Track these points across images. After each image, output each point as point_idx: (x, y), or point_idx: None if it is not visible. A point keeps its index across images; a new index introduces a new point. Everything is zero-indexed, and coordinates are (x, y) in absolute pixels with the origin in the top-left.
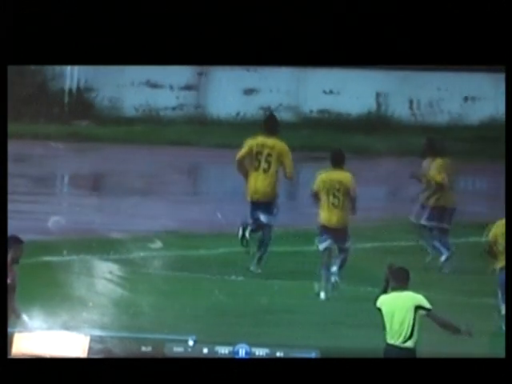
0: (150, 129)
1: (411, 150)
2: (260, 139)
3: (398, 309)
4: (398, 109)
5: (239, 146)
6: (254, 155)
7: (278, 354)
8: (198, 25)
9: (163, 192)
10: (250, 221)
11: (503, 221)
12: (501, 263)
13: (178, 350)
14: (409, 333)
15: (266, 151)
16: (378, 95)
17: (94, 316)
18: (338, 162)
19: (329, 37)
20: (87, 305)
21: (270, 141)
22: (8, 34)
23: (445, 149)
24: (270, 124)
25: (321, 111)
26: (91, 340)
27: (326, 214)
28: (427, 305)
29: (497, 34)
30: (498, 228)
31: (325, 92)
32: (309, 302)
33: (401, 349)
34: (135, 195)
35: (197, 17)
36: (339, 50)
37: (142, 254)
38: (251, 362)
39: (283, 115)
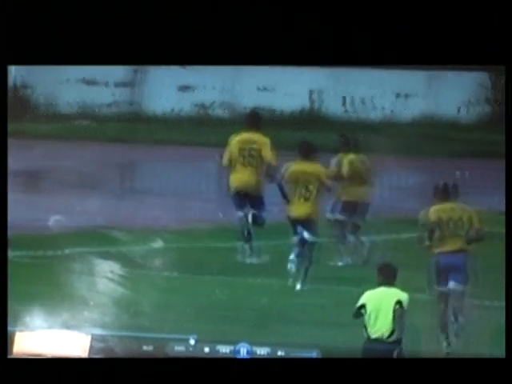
0: (85, 126)
1: None
2: (244, 136)
3: (385, 304)
4: (331, 106)
5: (174, 142)
6: (296, 182)
7: (279, 353)
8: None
9: (98, 189)
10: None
11: (452, 204)
12: (442, 247)
13: (179, 349)
14: (393, 327)
15: (249, 146)
16: (311, 92)
17: (95, 315)
18: (307, 154)
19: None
20: (88, 304)
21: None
22: (8, 34)
23: (358, 145)
24: (252, 120)
25: (255, 108)
26: (92, 339)
27: (295, 207)
28: (405, 304)
29: (497, 34)
30: (442, 213)
31: (259, 89)
32: (311, 301)
33: (388, 343)
34: (70, 192)
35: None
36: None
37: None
38: (252, 362)
39: (218, 112)
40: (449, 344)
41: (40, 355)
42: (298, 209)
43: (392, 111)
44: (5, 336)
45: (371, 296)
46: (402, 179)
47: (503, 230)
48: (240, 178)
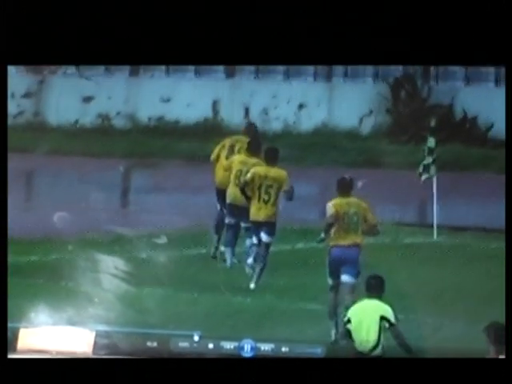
0: None
1: None
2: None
3: (365, 317)
4: (234, 116)
5: (76, 153)
6: (258, 186)
7: (284, 349)
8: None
9: None
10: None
11: (349, 199)
12: (335, 241)
13: (183, 345)
14: (375, 341)
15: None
16: (214, 103)
17: (99, 311)
18: (272, 160)
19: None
20: (93, 300)
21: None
22: (8, 34)
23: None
24: (269, 155)
25: (157, 119)
26: (97, 335)
27: (254, 209)
28: (392, 318)
29: (497, 34)
30: (338, 208)
31: (162, 100)
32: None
33: (370, 357)
34: None
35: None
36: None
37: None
38: (256, 358)
39: (120, 123)
40: (337, 332)
41: (44, 351)
42: (258, 211)
43: (294, 122)
44: (5, 336)
45: (354, 310)
46: (298, 189)
47: (401, 240)
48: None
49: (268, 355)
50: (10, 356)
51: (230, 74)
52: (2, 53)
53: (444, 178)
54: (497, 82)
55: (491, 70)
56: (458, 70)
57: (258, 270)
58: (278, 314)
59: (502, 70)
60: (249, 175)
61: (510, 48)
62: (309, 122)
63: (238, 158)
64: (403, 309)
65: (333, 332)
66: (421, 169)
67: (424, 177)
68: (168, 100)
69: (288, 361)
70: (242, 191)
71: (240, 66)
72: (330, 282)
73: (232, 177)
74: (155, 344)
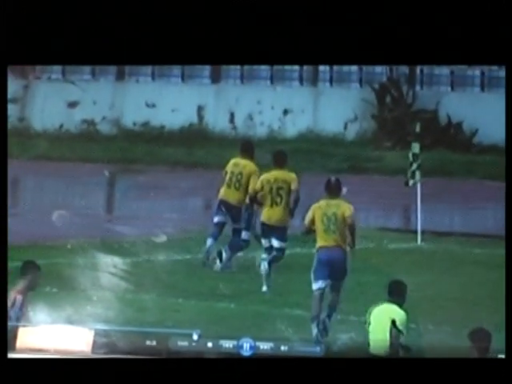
0: None
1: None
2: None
3: (381, 321)
4: (219, 122)
5: (61, 158)
6: (269, 191)
7: (283, 348)
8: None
9: None
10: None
11: (330, 201)
12: (319, 243)
13: (182, 344)
14: (388, 345)
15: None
16: (199, 108)
17: (98, 310)
18: (280, 163)
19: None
20: (91, 299)
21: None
22: (8, 34)
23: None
24: (278, 158)
25: (142, 124)
26: (95, 334)
27: (266, 212)
28: (400, 325)
29: (497, 34)
30: (317, 210)
31: (147, 105)
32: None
33: (369, 357)
34: None
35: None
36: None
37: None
38: (255, 357)
39: (105, 128)
40: (320, 334)
41: (43, 350)
42: (270, 213)
43: (279, 127)
44: (5, 336)
45: (373, 312)
46: None
47: (385, 246)
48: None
49: (267, 354)
50: (10, 355)
51: (215, 80)
52: (2, 53)
53: (428, 184)
54: (482, 86)
55: (477, 74)
56: (444, 75)
57: (269, 273)
58: (263, 318)
59: (488, 75)
60: (258, 184)
61: (510, 48)
62: (294, 127)
63: (231, 162)
64: None
65: (314, 333)
66: (408, 175)
67: (410, 182)
68: (153, 105)
69: (287, 360)
70: (254, 199)
71: (235, 66)
72: (316, 284)
73: (226, 178)
74: (154, 343)
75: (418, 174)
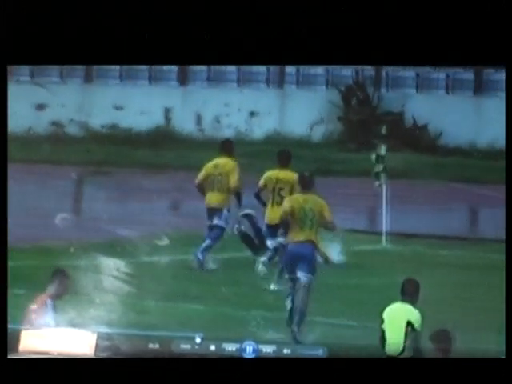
0: None
1: (198, 164)
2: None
3: (394, 321)
4: (186, 124)
5: (29, 161)
6: (271, 190)
7: (285, 351)
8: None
9: None
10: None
11: (306, 196)
12: (291, 237)
13: (185, 347)
14: (402, 345)
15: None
16: (166, 110)
17: (101, 313)
18: (283, 162)
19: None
20: (94, 302)
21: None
22: (8, 34)
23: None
24: (282, 157)
25: (110, 126)
26: (98, 337)
27: (268, 212)
28: (416, 324)
29: (497, 34)
30: (294, 203)
31: (115, 107)
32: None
33: (369, 358)
34: None
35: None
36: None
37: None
38: (258, 359)
39: (73, 130)
40: (293, 332)
41: (46, 353)
42: (272, 214)
43: (246, 129)
44: (5, 336)
45: (387, 312)
46: (247, 197)
47: (351, 247)
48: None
49: (270, 357)
50: (11, 357)
51: (182, 82)
52: (2, 53)
53: (394, 186)
54: (447, 89)
55: (442, 76)
56: (409, 77)
57: (276, 271)
58: (229, 320)
59: (452, 77)
60: (261, 181)
61: (510, 48)
62: (260, 129)
63: (210, 164)
64: (353, 315)
65: (292, 328)
66: (373, 176)
67: (375, 184)
68: (121, 108)
69: (289, 361)
70: (258, 197)
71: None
72: (286, 279)
73: (206, 182)
74: (157, 346)
75: (383, 175)
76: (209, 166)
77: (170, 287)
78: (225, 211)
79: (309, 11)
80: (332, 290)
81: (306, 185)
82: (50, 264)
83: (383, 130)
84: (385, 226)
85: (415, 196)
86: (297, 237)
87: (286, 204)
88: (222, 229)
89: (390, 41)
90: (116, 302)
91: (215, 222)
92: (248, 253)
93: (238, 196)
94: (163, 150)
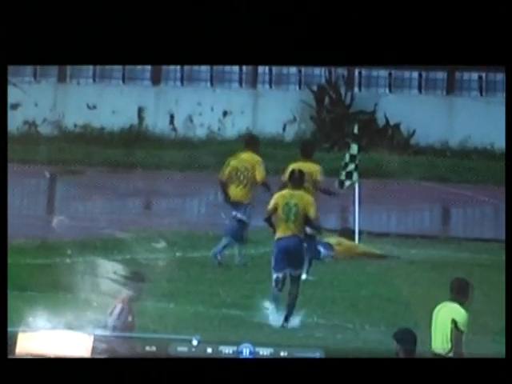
0: None
1: (171, 163)
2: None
3: (440, 320)
4: (159, 123)
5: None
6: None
7: (282, 354)
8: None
9: None
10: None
11: (293, 192)
12: (278, 233)
13: (181, 350)
14: (450, 345)
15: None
16: (139, 110)
17: (98, 316)
18: (306, 153)
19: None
20: (91, 304)
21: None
22: (8, 34)
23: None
24: (305, 149)
25: (83, 126)
26: (95, 339)
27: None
28: (461, 324)
29: (497, 35)
30: (280, 199)
31: (88, 107)
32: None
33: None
34: None
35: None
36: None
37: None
38: (255, 362)
39: (46, 130)
40: (282, 326)
41: (43, 356)
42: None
43: (219, 129)
44: (5, 336)
45: (435, 310)
46: (220, 196)
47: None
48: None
49: (267, 359)
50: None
51: (155, 81)
52: (2, 53)
53: (366, 185)
54: (420, 88)
55: (415, 76)
56: (382, 77)
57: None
58: (199, 319)
59: (425, 77)
60: (286, 172)
61: (509, 48)
62: (233, 128)
63: (233, 159)
64: (324, 314)
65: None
66: (343, 175)
67: (347, 183)
68: (94, 107)
69: (286, 362)
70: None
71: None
72: (276, 274)
73: (232, 176)
74: (154, 348)
75: (355, 174)
76: (233, 161)
77: (167, 288)
78: (248, 206)
79: (282, 11)
80: (302, 289)
81: (295, 181)
82: (19, 262)
83: (356, 130)
84: (357, 225)
85: (387, 195)
86: (283, 232)
87: (271, 201)
88: (244, 223)
89: (388, 41)
90: (113, 304)
91: (238, 215)
92: (251, 250)
93: (267, 186)
94: (136, 149)
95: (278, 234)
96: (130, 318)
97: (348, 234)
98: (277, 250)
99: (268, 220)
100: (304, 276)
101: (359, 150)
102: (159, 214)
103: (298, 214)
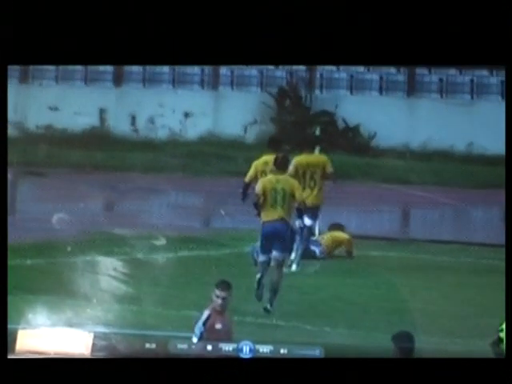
0: None
1: (132, 165)
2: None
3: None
4: (121, 125)
5: None
6: (301, 174)
7: (282, 351)
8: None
9: None
10: None
11: (279, 176)
12: (264, 217)
13: (181, 347)
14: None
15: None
16: (101, 111)
17: (98, 313)
18: (311, 147)
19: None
20: (91, 301)
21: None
22: (8, 34)
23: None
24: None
25: (45, 127)
26: (95, 337)
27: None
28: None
29: (497, 34)
30: (266, 183)
31: (50, 108)
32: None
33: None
34: None
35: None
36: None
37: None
38: (255, 360)
39: (8, 131)
40: (265, 309)
41: (43, 353)
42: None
43: (180, 130)
44: (5, 336)
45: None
46: (181, 198)
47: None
48: None
49: (266, 357)
50: (9, 357)
51: (117, 83)
52: (2, 53)
53: (327, 186)
54: (381, 90)
55: (375, 78)
56: (343, 79)
57: (298, 252)
58: (160, 321)
59: (386, 79)
60: (291, 168)
61: (509, 48)
62: (194, 130)
63: (258, 162)
64: (284, 315)
65: (265, 306)
66: None
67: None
68: (56, 108)
69: (286, 361)
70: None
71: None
72: (261, 258)
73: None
74: (154, 346)
75: None
76: (258, 164)
77: (166, 288)
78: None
79: (244, 11)
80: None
81: (279, 166)
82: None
83: (317, 131)
84: (317, 227)
85: (347, 197)
86: (270, 216)
87: (258, 185)
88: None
89: (388, 41)
90: (113, 301)
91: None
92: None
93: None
94: (98, 151)
95: (265, 218)
96: (218, 326)
97: (341, 229)
98: (264, 232)
99: (256, 205)
100: (294, 267)
101: (320, 152)
102: (120, 216)
103: (285, 198)
